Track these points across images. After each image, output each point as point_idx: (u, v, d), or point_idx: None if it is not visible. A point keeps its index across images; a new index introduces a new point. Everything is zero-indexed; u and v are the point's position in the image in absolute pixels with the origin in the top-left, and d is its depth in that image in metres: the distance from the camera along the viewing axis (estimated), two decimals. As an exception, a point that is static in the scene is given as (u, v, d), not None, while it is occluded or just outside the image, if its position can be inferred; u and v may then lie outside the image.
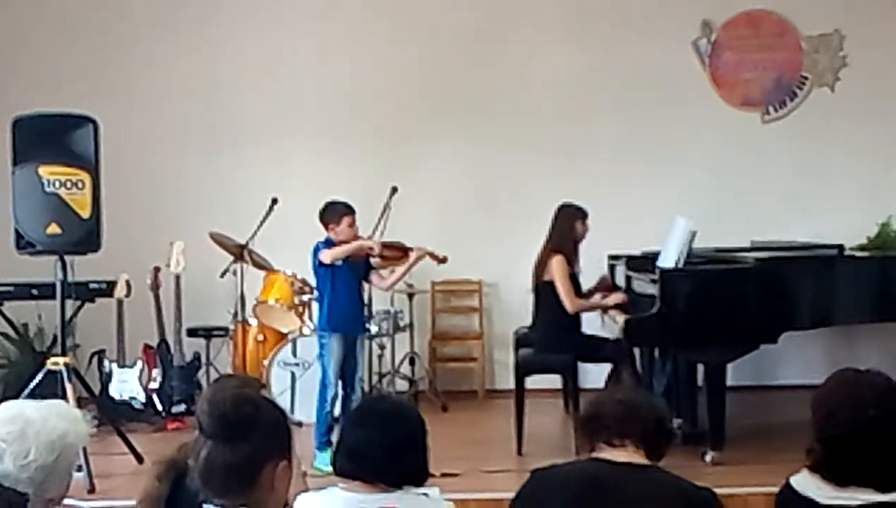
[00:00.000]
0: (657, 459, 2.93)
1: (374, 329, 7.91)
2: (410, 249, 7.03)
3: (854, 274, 6.81)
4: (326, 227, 6.74)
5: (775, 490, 2.93)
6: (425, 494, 3.06)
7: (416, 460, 3.05)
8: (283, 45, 8.93)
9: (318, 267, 6.68)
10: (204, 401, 2.46)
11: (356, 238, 6.79)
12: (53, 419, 2.71)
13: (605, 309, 7.07)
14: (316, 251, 6.69)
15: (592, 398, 3.09)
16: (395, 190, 7.02)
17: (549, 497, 2.88)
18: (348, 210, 6.75)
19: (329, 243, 6.70)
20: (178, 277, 7.93)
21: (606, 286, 7.39)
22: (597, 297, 7.29)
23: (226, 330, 8.41)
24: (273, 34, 8.93)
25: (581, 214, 7.02)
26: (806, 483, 2.80)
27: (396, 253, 7.02)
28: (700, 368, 6.91)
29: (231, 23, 8.95)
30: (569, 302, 6.80)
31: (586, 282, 7.26)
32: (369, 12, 8.93)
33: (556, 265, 6.81)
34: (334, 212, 6.73)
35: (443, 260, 7.31)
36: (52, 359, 6.44)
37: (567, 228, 6.98)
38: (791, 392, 7.94)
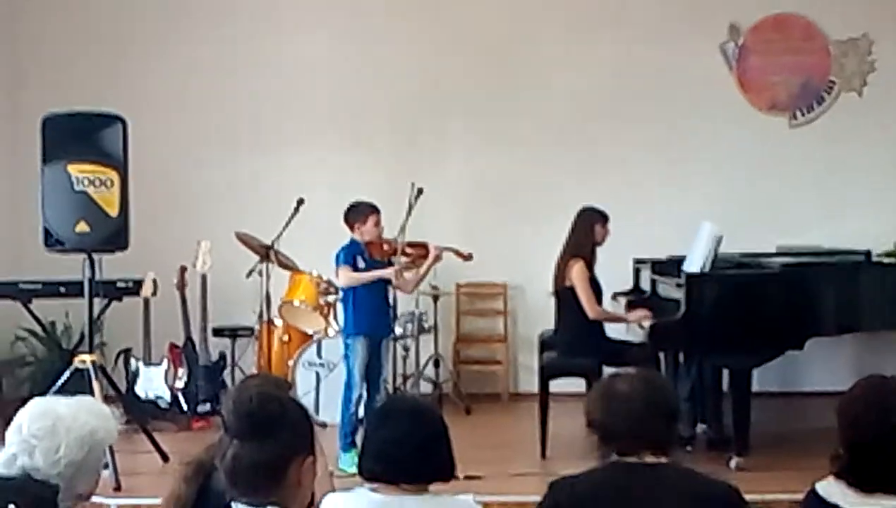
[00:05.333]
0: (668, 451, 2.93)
1: (398, 331, 7.91)
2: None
3: (881, 281, 6.78)
4: (352, 228, 6.76)
5: (800, 496, 2.93)
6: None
7: (443, 455, 3.06)
8: (306, 45, 8.95)
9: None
10: (229, 401, 2.47)
11: (381, 237, 6.82)
12: (83, 415, 2.74)
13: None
14: (339, 256, 6.72)
15: (602, 400, 3.02)
16: (420, 191, 7.01)
17: None
18: (373, 209, 6.78)
19: (353, 245, 6.72)
20: (204, 277, 7.97)
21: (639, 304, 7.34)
22: (620, 310, 7.29)
23: (251, 330, 8.44)
24: (297, 34, 8.95)
25: (601, 218, 6.99)
26: (832, 489, 2.80)
27: (420, 250, 7.03)
28: (725, 373, 6.89)
29: (255, 23, 8.98)
30: (591, 310, 6.78)
31: (613, 285, 7.25)
32: (393, 12, 8.93)
33: (577, 271, 6.78)
34: (359, 212, 6.76)
35: (468, 257, 7.31)
36: (80, 357, 6.48)
37: (587, 232, 6.94)
38: (817, 398, 7.88)
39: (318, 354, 7.86)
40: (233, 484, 2.42)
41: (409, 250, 6.87)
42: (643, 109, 8.80)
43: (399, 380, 8.20)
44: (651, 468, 2.86)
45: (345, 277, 6.68)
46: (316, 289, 8.00)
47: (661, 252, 7.69)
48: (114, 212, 6.34)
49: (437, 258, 7.03)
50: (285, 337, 8.20)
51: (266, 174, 8.93)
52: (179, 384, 7.95)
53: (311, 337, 8.06)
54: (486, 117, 8.93)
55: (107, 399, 6.42)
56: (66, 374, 6.43)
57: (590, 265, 6.89)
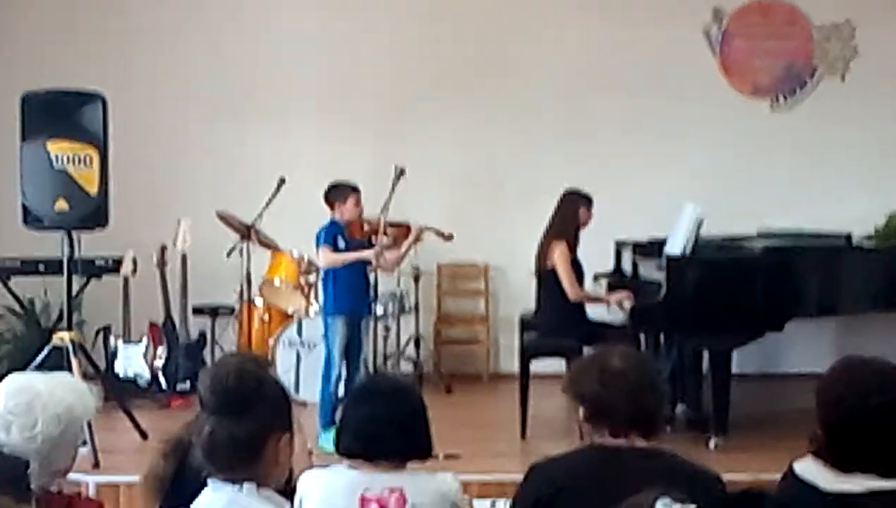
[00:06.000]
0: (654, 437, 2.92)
1: (379, 310, 7.88)
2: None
3: (861, 264, 6.82)
4: (332, 207, 6.76)
5: (779, 476, 2.93)
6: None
7: (421, 433, 3.07)
8: (289, 21, 8.90)
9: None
10: (206, 377, 2.46)
11: (361, 217, 6.82)
12: (60, 391, 2.72)
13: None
14: (319, 236, 6.71)
15: (596, 374, 2.96)
16: (402, 171, 6.99)
17: (558, 493, 2.86)
18: (353, 190, 6.79)
19: (333, 225, 6.71)
20: (184, 255, 7.94)
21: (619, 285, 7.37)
22: (601, 291, 7.31)
23: (231, 308, 8.41)
24: (279, 10, 8.91)
25: (586, 201, 7.01)
26: (809, 469, 2.80)
27: (402, 230, 7.04)
28: (705, 355, 6.91)
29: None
30: (572, 292, 6.80)
31: (594, 267, 7.25)
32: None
33: (559, 253, 6.80)
34: (340, 192, 6.76)
35: (449, 237, 7.36)
36: (58, 335, 6.45)
37: (571, 215, 6.96)
38: (796, 380, 7.90)
39: (299, 333, 7.84)
40: (209, 460, 2.41)
41: (390, 230, 6.88)
42: (626, 92, 8.78)
43: (379, 360, 8.19)
44: (637, 452, 2.84)
45: (325, 258, 6.68)
46: (297, 269, 7.99)
47: (642, 233, 7.70)
48: (93, 189, 6.30)
49: (418, 237, 7.05)
50: (266, 316, 8.18)
51: (247, 152, 8.87)
52: (159, 362, 7.92)
53: (292, 316, 8.04)
54: (469, 99, 8.89)
55: (85, 376, 6.37)
56: (45, 352, 6.39)
57: (572, 247, 6.89)
